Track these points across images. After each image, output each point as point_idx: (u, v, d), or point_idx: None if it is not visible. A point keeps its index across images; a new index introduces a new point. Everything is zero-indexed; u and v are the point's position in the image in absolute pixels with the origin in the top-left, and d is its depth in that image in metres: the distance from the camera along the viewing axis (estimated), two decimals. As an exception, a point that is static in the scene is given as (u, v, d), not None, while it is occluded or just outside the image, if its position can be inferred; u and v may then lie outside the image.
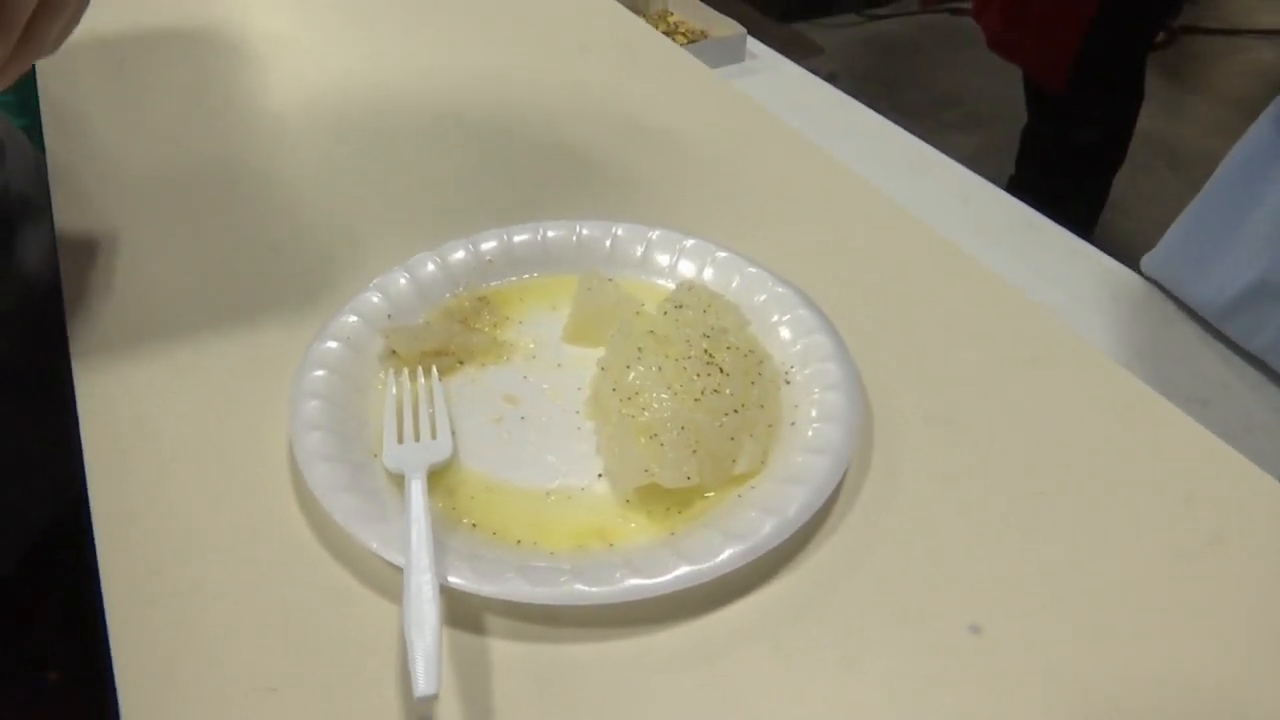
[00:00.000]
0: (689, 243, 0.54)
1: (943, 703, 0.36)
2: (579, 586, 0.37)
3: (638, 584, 0.37)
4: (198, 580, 0.40)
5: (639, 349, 0.45)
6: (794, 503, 0.40)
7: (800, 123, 0.71)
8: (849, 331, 0.49)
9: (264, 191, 0.64)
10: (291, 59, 0.79)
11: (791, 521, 0.39)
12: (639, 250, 0.54)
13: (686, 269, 0.53)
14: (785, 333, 0.49)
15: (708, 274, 0.53)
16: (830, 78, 1.11)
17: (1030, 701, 0.36)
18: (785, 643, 0.38)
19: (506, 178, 0.65)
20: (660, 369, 0.44)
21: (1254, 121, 0.78)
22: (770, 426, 0.44)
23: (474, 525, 0.41)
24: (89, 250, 0.57)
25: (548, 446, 0.45)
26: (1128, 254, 0.83)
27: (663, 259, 0.54)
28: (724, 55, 1.13)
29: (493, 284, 0.53)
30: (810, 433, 0.43)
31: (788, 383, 0.47)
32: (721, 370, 0.44)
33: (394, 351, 0.48)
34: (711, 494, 0.42)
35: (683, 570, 0.38)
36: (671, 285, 0.52)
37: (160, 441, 0.46)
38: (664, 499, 0.42)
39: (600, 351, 0.48)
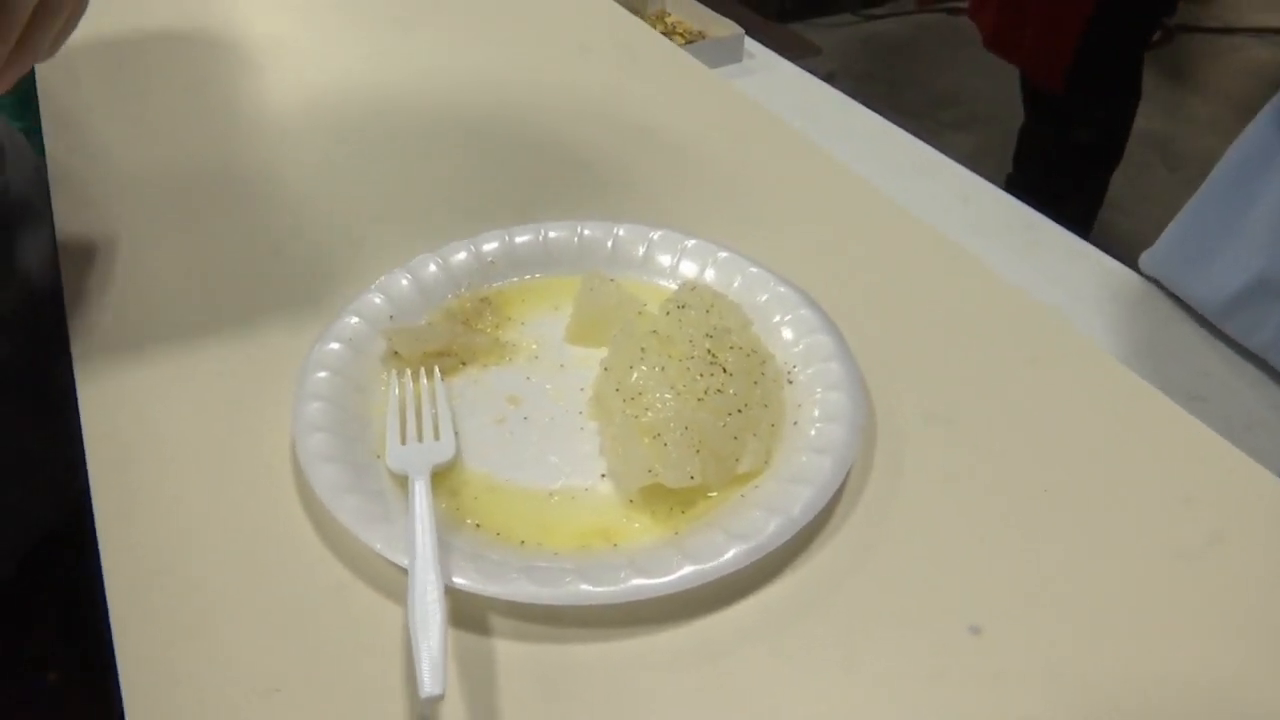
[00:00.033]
0: (690, 243, 0.54)
1: (943, 702, 0.36)
2: (583, 587, 0.37)
3: (642, 584, 0.37)
4: (201, 581, 0.40)
5: (642, 349, 0.45)
6: (798, 502, 0.40)
7: (799, 123, 0.71)
8: (850, 331, 0.49)
9: (265, 193, 0.64)
10: (292, 60, 0.79)
11: (796, 521, 0.39)
12: (641, 251, 0.54)
13: (688, 269, 0.53)
14: (787, 333, 0.49)
15: (709, 274, 0.53)
16: (828, 78, 1.11)
17: (1031, 701, 0.36)
18: (787, 642, 0.38)
19: (508, 178, 0.65)
20: (663, 369, 0.44)
21: (1251, 120, 0.78)
22: (773, 426, 0.44)
23: (478, 526, 0.41)
24: (90, 252, 0.57)
25: (551, 447, 0.45)
26: (1126, 253, 0.83)
27: (664, 259, 0.54)
28: (722, 55, 1.13)
29: (495, 285, 0.53)
30: (813, 432, 0.44)
31: (790, 382, 0.47)
32: (725, 370, 0.44)
33: (396, 353, 0.48)
34: (715, 494, 0.42)
35: (687, 570, 0.38)
36: (673, 286, 0.52)
37: (163, 443, 0.46)
38: (667, 499, 0.42)
39: (602, 352, 0.48)
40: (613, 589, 0.37)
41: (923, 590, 0.40)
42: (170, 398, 0.48)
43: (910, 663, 0.37)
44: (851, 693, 0.36)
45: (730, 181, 0.65)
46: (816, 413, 0.45)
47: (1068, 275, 0.81)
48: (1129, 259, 0.82)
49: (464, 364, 0.49)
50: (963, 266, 0.57)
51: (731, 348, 0.46)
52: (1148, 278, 0.82)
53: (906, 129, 0.99)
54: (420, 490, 0.40)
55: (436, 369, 0.48)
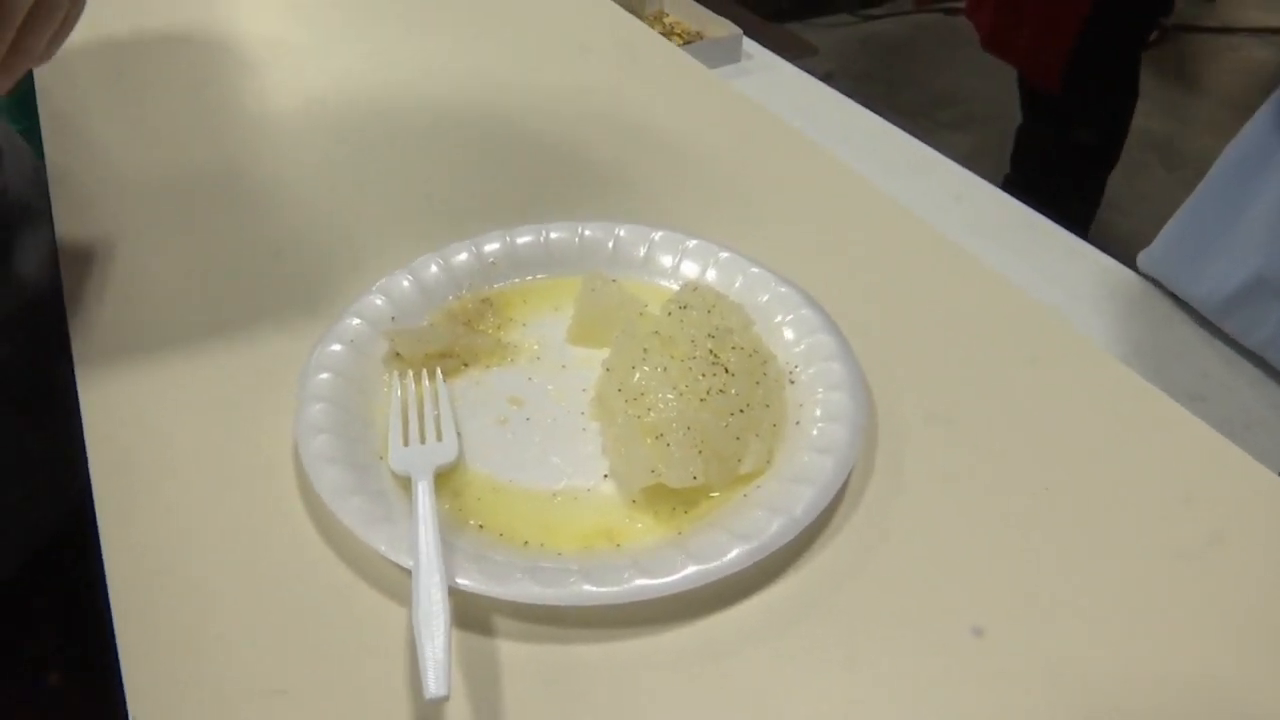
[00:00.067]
0: (691, 243, 0.54)
1: (945, 702, 0.36)
2: (587, 587, 0.37)
3: (646, 584, 0.37)
4: (204, 583, 0.40)
5: (644, 350, 0.45)
6: (800, 502, 0.40)
7: (797, 123, 0.71)
8: (851, 331, 0.49)
9: (265, 195, 0.64)
10: (291, 61, 0.79)
11: (798, 521, 0.40)
12: (642, 251, 0.54)
13: (689, 270, 0.53)
14: (789, 333, 0.49)
15: (710, 274, 0.53)
16: (826, 78, 1.11)
17: (1031, 701, 0.36)
18: (789, 643, 0.38)
19: (508, 179, 0.65)
20: (665, 369, 0.44)
21: (1249, 119, 0.79)
22: (775, 426, 0.45)
23: (481, 527, 0.41)
24: (90, 254, 0.57)
25: (553, 448, 0.45)
26: (1124, 252, 0.83)
27: (666, 260, 0.54)
28: (720, 56, 1.14)
29: (496, 286, 0.53)
30: (815, 432, 0.44)
31: (792, 382, 0.47)
32: (726, 370, 0.44)
33: (398, 354, 0.48)
34: (717, 494, 0.43)
35: (691, 570, 0.38)
36: (674, 286, 0.52)
37: (164, 446, 0.46)
38: (670, 499, 0.42)
39: (604, 352, 0.48)
40: (616, 589, 0.37)
41: (924, 590, 0.40)
42: (171, 400, 0.48)
43: (912, 662, 0.37)
44: (854, 692, 0.36)
45: (730, 181, 0.65)
46: (818, 412, 0.45)
47: (1066, 275, 0.81)
48: (1127, 259, 0.82)
49: (466, 365, 0.49)
50: (963, 266, 0.57)
51: (733, 348, 0.46)
52: (1146, 277, 0.82)
53: (904, 129, 0.99)
54: (423, 491, 0.40)
55: (439, 370, 0.48)
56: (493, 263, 0.54)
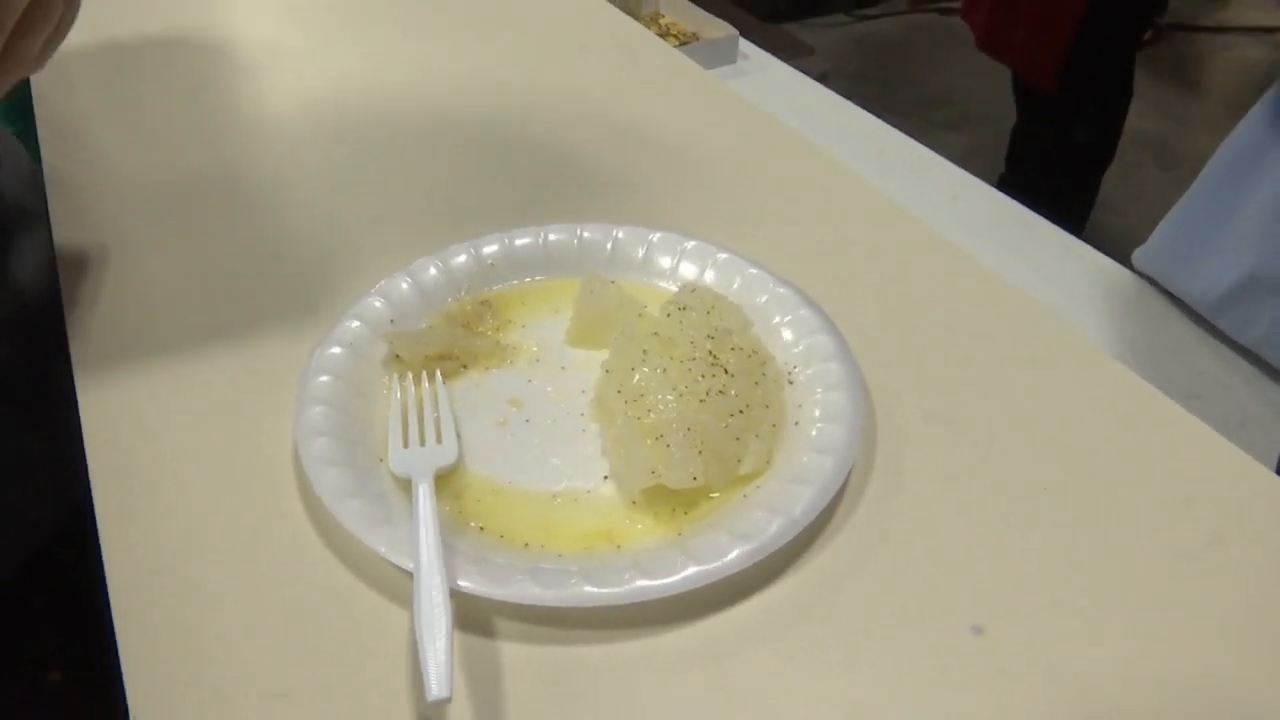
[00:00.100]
0: (690, 244, 0.54)
1: (946, 702, 0.36)
2: (588, 588, 0.37)
3: (646, 585, 0.38)
4: (205, 587, 0.40)
5: (643, 351, 0.45)
6: (800, 502, 0.40)
7: (793, 123, 0.71)
8: (850, 331, 0.49)
9: (264, 197, 0.64)
10: (289, 63, 0.79)
11: (798, 521, 0.40)
12: (640, 252, 0.54)
13: (688, 271, 0.53)
14: (787, 333, 0.49)
15: (709, 276, 0.53)
16: (821, 78, 1.12)
17: (1032, 701, 0.36)
18: (789, 643, 0.38)
19: (506, 181, 0.65)
20: (665, 371, 0.44)
21: (1242, 118, 0.79)
22: (774, 427, 0.45)
23: (481, 528, 0.42)
24: (88, 257, 0.57)
25: (553, 449, 0.45)
26: (1119, 251, 0.84)
27: (664, 261, 0.54)
28: (716, 57, 1.14)
29: (495, 288, 0.53)
30: (814, 432, 0.44)
31: (790, 383, 0.47)
32: (726, 371, 0.44)
33: (397, 356, 0.49)
34: (717, 494, 0.43)
35: (691, 571, 0.38)
36: (673, 287, 0.53)
37: (164, 448, 0.46)
38: (670, 500, 0.42)
39: (603, 354, 0.48)
40: (617, 590, 0.37)
41: (924, 590, 0.40)
42: (171, 403, 0.48)
43: (912, 662, 0.37)
44: (854, 692, 0.37)
45: (728, 182, 0.65)
46: (817, 413, 0.45)
47: (1061, 273, 0.81)
48: (1122, 258, 0.83)
49: (465, 367, 0.49)
50: (961, 266, 0.57)
51: (732, 349, 0.46)
52: (1141, 275, 0.82)
53: (899, 129, 1.00)
54: (424, 494, 0.40)
55: (438, 372, 0.48)
56: (491, 265, 0.54)
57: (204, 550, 0.41)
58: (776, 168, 0.67)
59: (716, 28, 1.17)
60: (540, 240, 0.54)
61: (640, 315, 0.49)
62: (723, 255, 0.53)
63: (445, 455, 0.44)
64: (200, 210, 0.62)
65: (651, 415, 0.43)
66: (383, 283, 0.51)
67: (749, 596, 0.39)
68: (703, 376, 0.44)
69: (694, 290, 0.50)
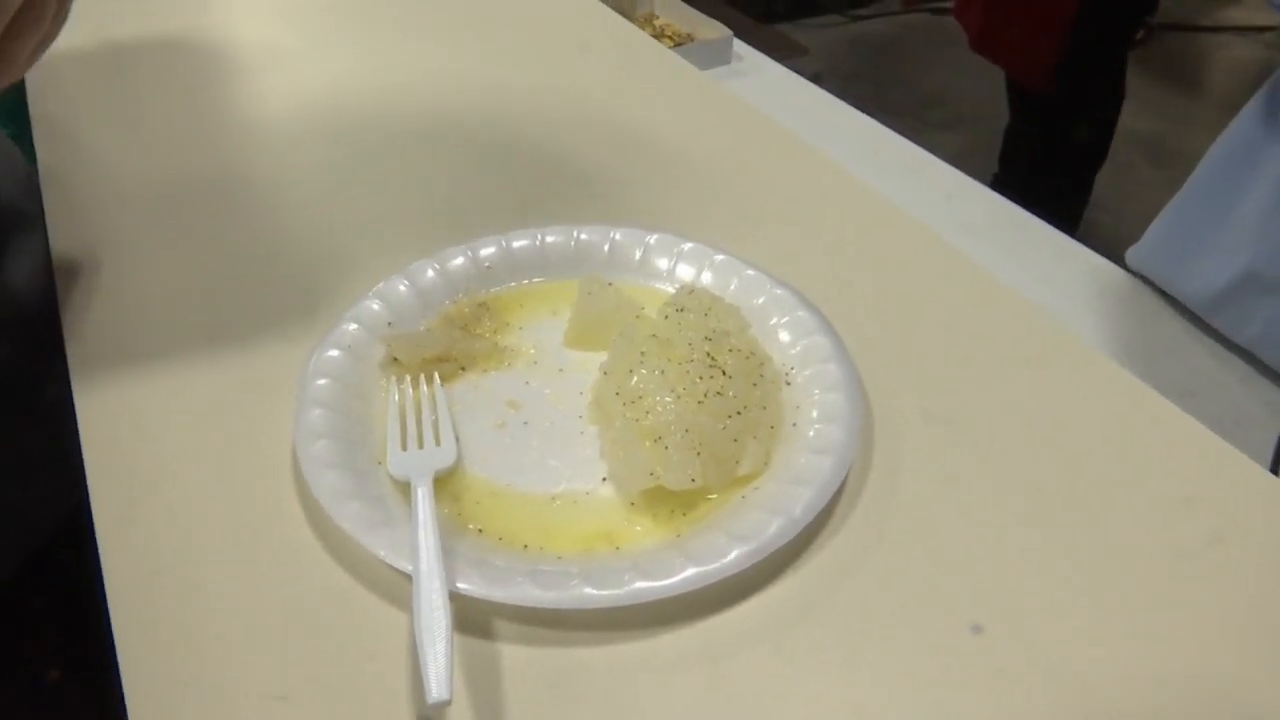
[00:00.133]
0: (687, 246, 0.54)
1: (945, 702, 0.36)
2: (587, 590, 0.38)
3: (646, 586, 0.38)
4: (204, 589, 0.40)
5: (641, 353, 0.45)
6: (799, 503, 0.40)
7: (788, 123, 0.72)
8: (847, 332, 0.49)
9: (261, 199, 0.63)
10: (286, 65, 0.79)
11: (797, 521, 0.40)
12: (637, 254, 0.54)
13: (685, 272, 0.54)
14: (784, 335, 0.49)
15: (706, 277, 0.53)
16: (815, 78, 1.12)
17: (1031, 701, 0.36)
18: (789, 643, 0.38)
19: (503, 183, 0.65)
20: (663, 372, 0.44)
21: (1235, 117, 0.79)
22: (772, 428, 0.45)
23: (480, 531, 0.42)
24: (83, 259, 0.57)
25: (551, 451, 0.45)
26: (1112, 251, 0.84)
27: (661, 263, 0.54)
28: (711, 58, 1.14)
29: (493, 290, 0.53)
30: (812, 433, 0.44)
31: (788, 384, 0.47)
32: (724, 373, 0.44)
33: (396, 359, 0.48)
34: (715, 496, 0.43)
35: (690, 572, 0.38)
36: (670, 289, 0.53)
37: (162, 451, 0.46)
38: (669, 501, 0.42)
39: (601, 356, 0.48)
40: (616, 592, 0.38)
41: (923, 590, 0.40)
42: (168, 405, 0.48)
43: (912, 662, 0.38)
44: (853, 692, 0.37)
45: (725, 183, 0.65)
46: (815, 414, 0.45)
47: (1055, 273, 0.81)
48: (1116, 257, 0.83)
49: (463, 369, 0.49)
50: (957, 266, 0.57)
51: (730, 350, 0.46)
52: (1135, 274, 0.82)
53: (893, 129, 1.00)
54: (423, 496, 0.40)
55: (436, 375, 0.48)
56: (489, 267, 0.54)
57: (203, 552, 0.41)
58: (772, 169, 0.67)
59: (711, 29, 1.17)
60: (537, 242, 0.54)
61: (638, 317, 0.49)
62: (720, 257, 0.53)
63: (444, 458, 0.44)
64: (197, 212, 0.62)
65: (650, 417, 0.43)
66: (380, 285, 0.51)
67: (748, 597, 0.39)
68: (701, 378, 0.44)
69: (692, 292, 0.50)
